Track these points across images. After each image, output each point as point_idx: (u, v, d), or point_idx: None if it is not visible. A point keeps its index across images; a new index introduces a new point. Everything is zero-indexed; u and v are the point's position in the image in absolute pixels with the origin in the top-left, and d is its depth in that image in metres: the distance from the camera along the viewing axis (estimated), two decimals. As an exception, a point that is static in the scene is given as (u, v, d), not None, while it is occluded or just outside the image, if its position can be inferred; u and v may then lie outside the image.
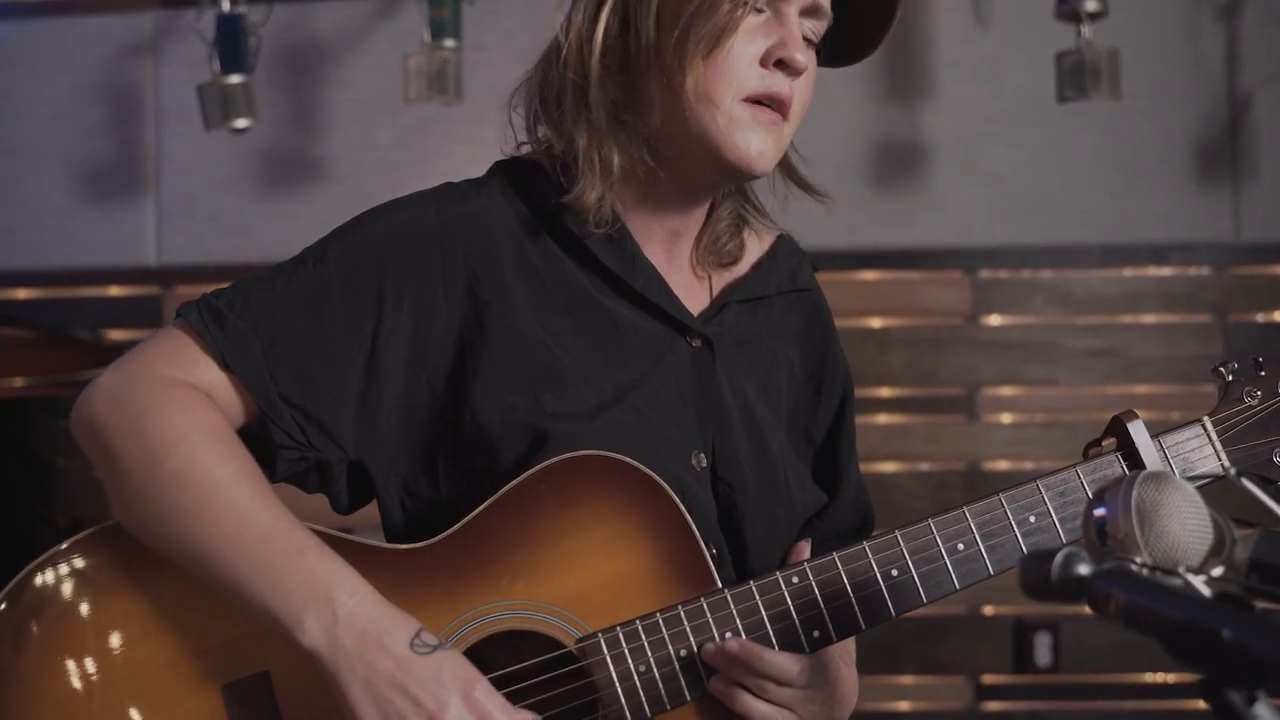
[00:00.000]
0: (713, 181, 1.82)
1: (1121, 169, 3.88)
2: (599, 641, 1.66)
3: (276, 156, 3.99)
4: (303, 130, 4.02)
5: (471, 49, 3.76)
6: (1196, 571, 1.28)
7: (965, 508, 1.70)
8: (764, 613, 1.68)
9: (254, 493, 1.64)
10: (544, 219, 1.81)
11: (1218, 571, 1.29)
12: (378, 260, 1.74)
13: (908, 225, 3.95)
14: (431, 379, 1.75)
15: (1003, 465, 3.86)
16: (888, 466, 3.91)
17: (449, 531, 1.70)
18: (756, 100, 1.72)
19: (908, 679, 3.92)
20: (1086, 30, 3.54)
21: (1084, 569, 1.29)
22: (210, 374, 1.70)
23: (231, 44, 3.67)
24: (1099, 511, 1.39)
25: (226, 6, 3.73)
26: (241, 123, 3.67)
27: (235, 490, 1.63)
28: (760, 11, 1.72)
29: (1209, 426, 1.75)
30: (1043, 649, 3.85)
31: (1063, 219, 3.91)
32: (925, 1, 3.90)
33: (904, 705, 3.91)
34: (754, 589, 1.68)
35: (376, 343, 1.72)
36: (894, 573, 1.69)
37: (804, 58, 1.73)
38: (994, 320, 3.95)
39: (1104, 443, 1.73)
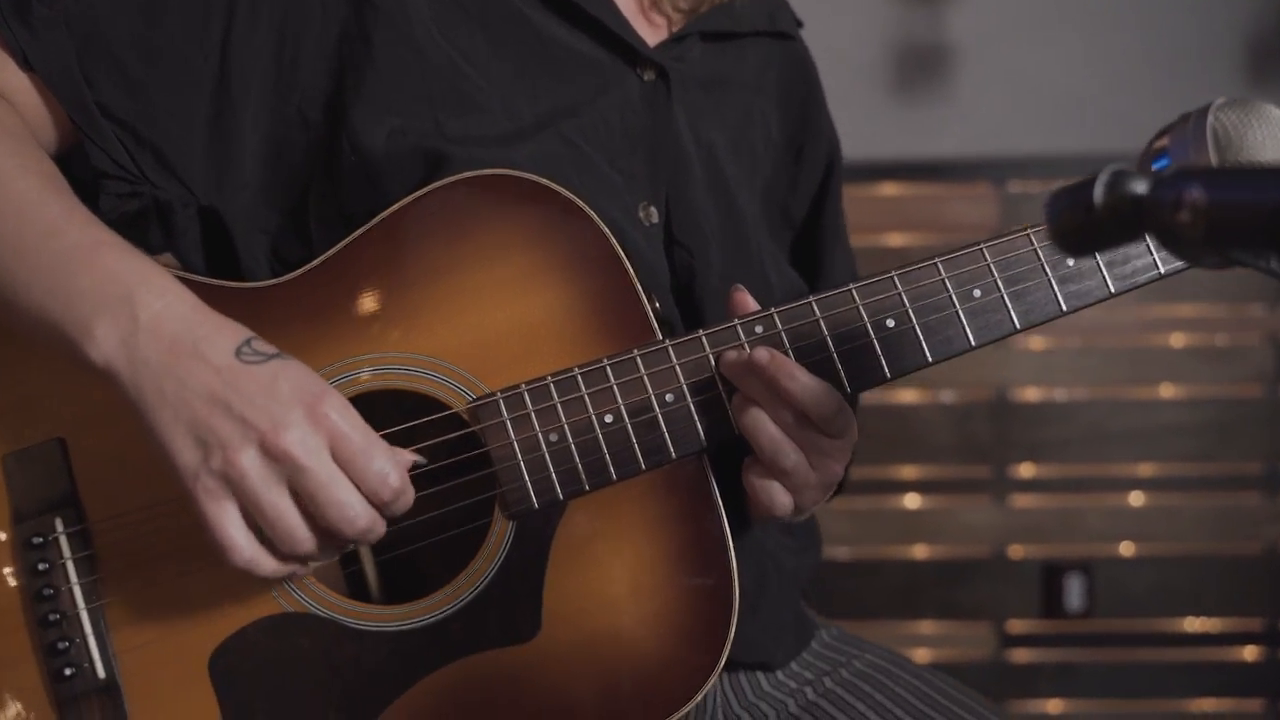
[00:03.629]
0: None
1: (1163, 71, 3.45)
2: (497, 402, 1.23)
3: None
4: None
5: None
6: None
7: (983, 245, 1.27)
8: (717, 370, 1.24)
9: (43, 186, 1.23)
10: None
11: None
12: None
13: (931, 135, 3.54)
14: (303, 107, 1.33)
15: (1033, 394, 3.41)
16: (908, 396, 3.47)
17: (307, 267, 1.27)
18: None
19: (927, 626, 3.49)
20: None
21: (1141, 184, 0.86)
22: (8, 75, 1.30)
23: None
24: (1159, 166, 0.97)
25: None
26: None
27: (19, 184, 1.22)
28: None
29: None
30: (1074, 593, 3.41)
31: (1099, 126, 3.47)
32: (949, -115, 3.50)
33: (923, 654, 3.47)
34: (704, 339, 1.24)
35: (227, 54, 1.31)
36: (889, 323, 1.25)
37: None
38: (1023, 237, 3.49)
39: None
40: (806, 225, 1.61)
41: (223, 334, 1.15)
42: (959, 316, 1.26)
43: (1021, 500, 3.43)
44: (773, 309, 1.25)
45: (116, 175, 1.33)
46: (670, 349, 1.24)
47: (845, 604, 3.46)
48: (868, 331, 1.25)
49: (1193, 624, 3.44)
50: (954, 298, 1.26)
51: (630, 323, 1.26)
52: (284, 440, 1.10)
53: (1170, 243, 0.84)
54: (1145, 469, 3.39)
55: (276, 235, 1.36)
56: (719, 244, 1.43)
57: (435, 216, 1.27)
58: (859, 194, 3.63)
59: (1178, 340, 3.40)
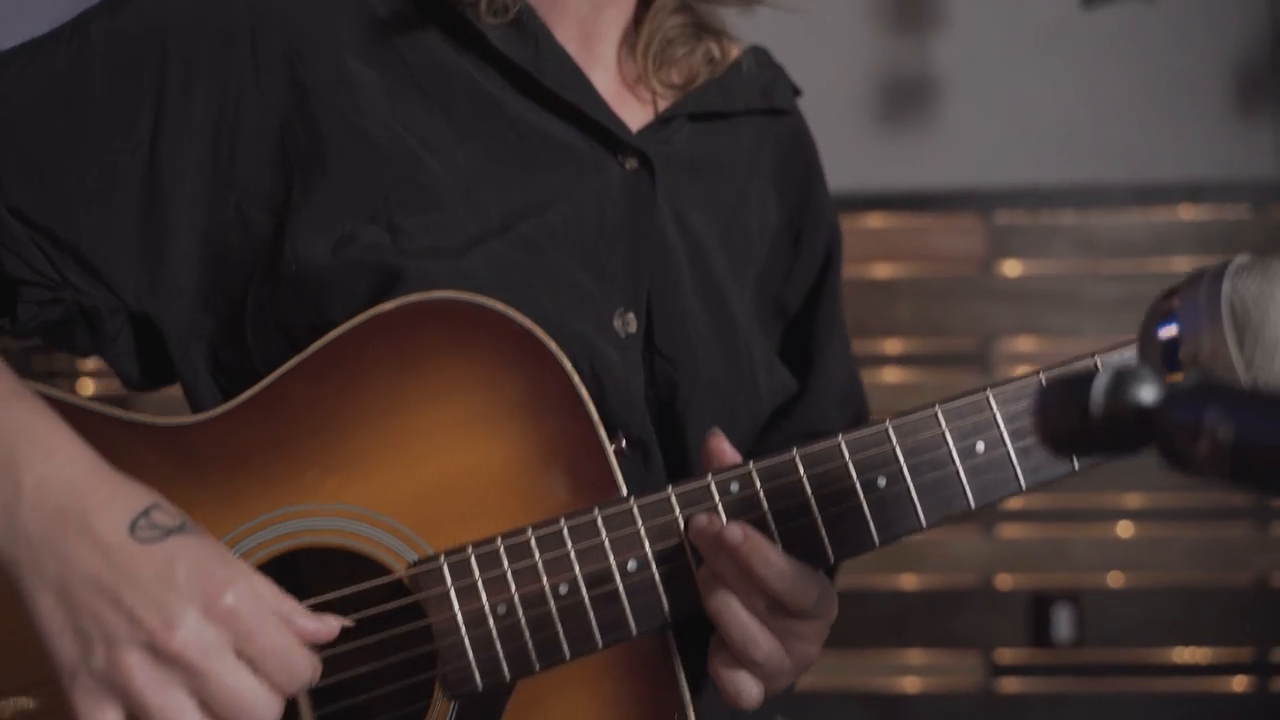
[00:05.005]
0: None
1: (1152, 100, 3.28)
2: (440, 568, 1.05)
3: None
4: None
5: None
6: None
7: (990, 390, 1.07)
8: (686, 536, 1.06)
9: None
10: (417, 3, 1.21)
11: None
12: (159, 34, 1.14)
13: (917, 165, 3.36)
14: (243, 205, 1.14)
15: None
16: (895, 427, 3.28)
17: (234, 403, 1.09)
18: None
19: (916, 655, 3.33)
20: (1117, -69, 2.94)
21: (1150, 392, 0.68)
22: None
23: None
24: (1167, 330, 0.79)
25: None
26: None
27: None
28: None
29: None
30: (1063, 623, 3.25)
31: (1086, 156, 3.31)
32: (936, -85, 3.33)
33: (911, 683, 3.30)
34: (673, 498, 1.05)
35: (157, 148, 1.13)
36: (881, 481, 1.06)
37: None
38: (1011, 267, 3.35)
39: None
40: (801, 316, 1.42)
41: (117, 504, 0.95)
42: (959, 475, 1.07)
43: (1009, 530, 3.28)
44: (751, 464, 1.06)
45: (34, 282, 1.14)
46: (636, 509, 1.05)
47: (834, 634, 3.27)
48: (856, 492, 1.06)
49: (1182, 654, 3.29)
50: (954, 453, 1.07)
51: (592, 473, 1.07)
52: (177, 640, 0.91)
53: (1179, 467, 0.67)
54: (1133, 499, 3.24)
55: (214, 341, 1.18)
56: (706, 351, 1.25)
57: (378, 348, 1.09)
58: (845, 225, 3.41)
59: (1166, 370, 3.22)
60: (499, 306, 1.08)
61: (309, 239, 1.14)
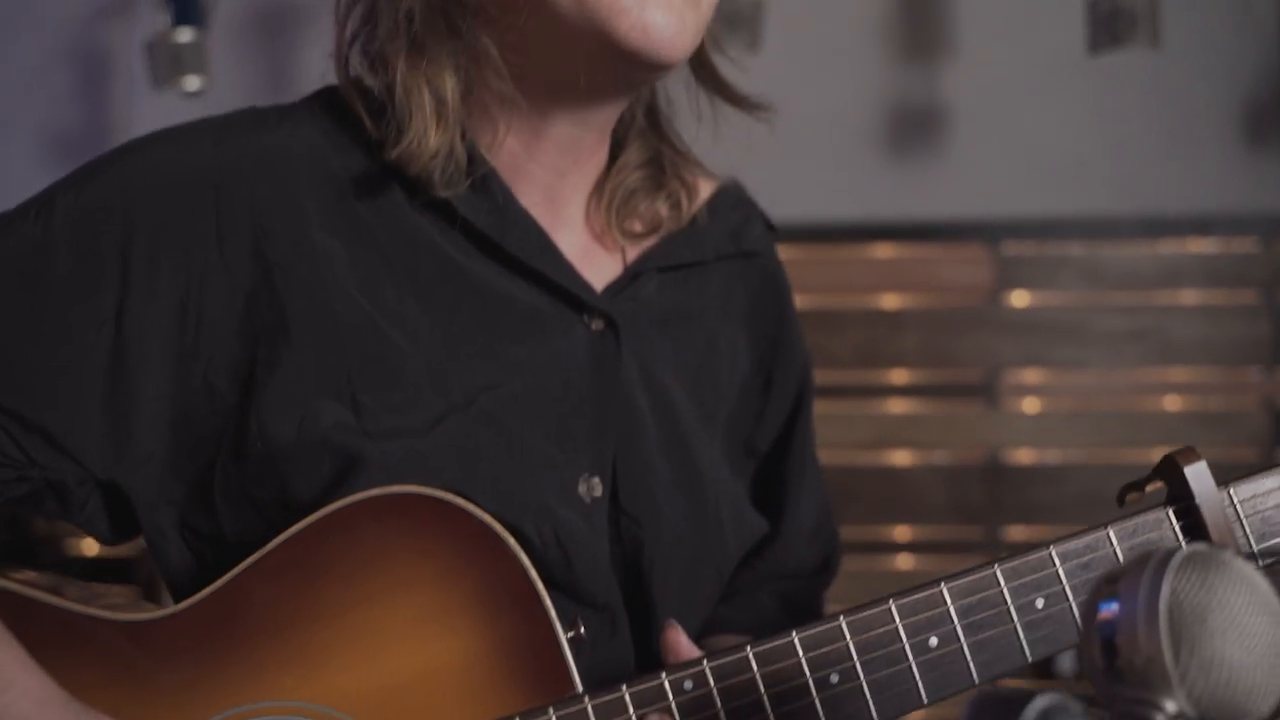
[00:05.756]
0: (599, 86, 1.18)
1: (1160, 132, 3.21)
2: (392, 774, 1.03)
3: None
4: (278, 95, 3.39)
5: None
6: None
7: (944, 583, 1.06)
8: None
9: None
10: (381, 164, 1.18)
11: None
12: (124, 210, 1.14)
13: (925, 195, 3.31)
14: (209, 375, 1.13)
15: (1026, 457, 3.21)
16: (900, 458, 3.27)
17: (195, 599, 1.08)
18: None
19: (920, 686, 3.27)
20: (1123, -27, 2.88)
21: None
22: None
23: (183, -7, 3.05)
24: (1108, 611, 0.77)
25: (180, -46, 3.10)
26: (192, 83, 3.04)
27: None
28: None
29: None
30: (1066, 654, 3.19)
31: (1095, 187, 3.25)
32: (946, -53, 3.27)
33: (917, 714, 3.26)
34: (627, 698, 1.04)
35: (123, 324, 1.12)
36: (833, 679, 1.05)
37: None
38: (1018, 299, 3.31)
39: (1149, 488, 1.08)
40: (771, 456, 1.41)
41: None
42: (912, 671, 1.07)
43: (1015, 561, 3.24)
44: (705, 662, 1.05)
45: (1, 464, 1.14)
46: (590, 709, 1.04)
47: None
48: (809, 689, 1.05)
49: (1185, 686, 3.24)
50: (908, 649, 1.07)
51: (548, 668, 1.06)
52: None
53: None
54: (1137, 532, 3.19)
55: (184, 507, 1.17)
56: (672, 509, 1.24)
57: (338, 543, 1.08)
58: (853, 255, 3.45)
59: (1172, 403, 3.20)
60: (458, 501, 1.07)
61: (274, 418, 1.13)
